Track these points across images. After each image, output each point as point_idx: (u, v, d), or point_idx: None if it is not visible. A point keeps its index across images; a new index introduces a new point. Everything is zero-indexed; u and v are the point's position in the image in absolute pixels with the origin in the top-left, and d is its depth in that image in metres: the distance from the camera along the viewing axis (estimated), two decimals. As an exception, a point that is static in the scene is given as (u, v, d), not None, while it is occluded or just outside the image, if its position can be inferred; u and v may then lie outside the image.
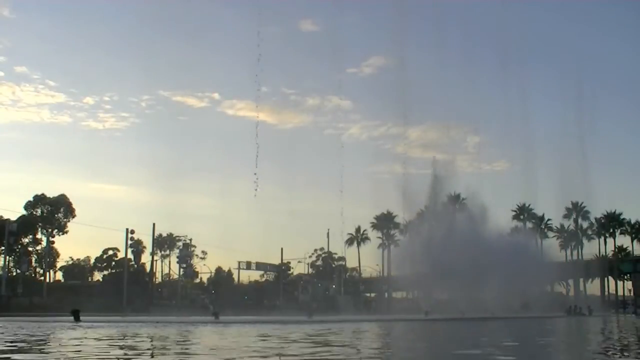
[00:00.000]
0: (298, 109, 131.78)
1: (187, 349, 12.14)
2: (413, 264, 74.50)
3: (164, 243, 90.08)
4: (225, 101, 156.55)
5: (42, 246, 78.53)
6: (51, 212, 77.15)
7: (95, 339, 15.06)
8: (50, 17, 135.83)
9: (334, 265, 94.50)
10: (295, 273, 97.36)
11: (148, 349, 12.02)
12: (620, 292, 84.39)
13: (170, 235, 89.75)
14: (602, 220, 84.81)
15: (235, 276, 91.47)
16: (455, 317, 40.78)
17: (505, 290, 79.04)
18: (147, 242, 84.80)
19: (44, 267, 79.49)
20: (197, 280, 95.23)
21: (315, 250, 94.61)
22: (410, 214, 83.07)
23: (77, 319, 29.52)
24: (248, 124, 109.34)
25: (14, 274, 77.16)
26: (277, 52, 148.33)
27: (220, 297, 77.23)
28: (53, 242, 79.78)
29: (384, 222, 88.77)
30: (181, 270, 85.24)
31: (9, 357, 10.18)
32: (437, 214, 76.81)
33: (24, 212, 76.74)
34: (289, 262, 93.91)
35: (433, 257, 71.73)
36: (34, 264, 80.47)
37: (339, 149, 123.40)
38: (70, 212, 77.78)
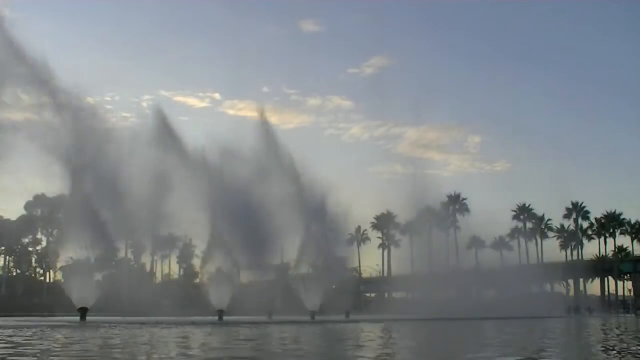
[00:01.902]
0: (299, 109, 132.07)
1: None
2: (412, 265, 74.81)
3: (163, 243, 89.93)
4: (226, 101, 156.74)
5: (42, 246, 78.54)
6: (51, 212, 77.15)
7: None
8: (51, 17, 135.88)
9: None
10: (295, 273, 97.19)
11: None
12: (620, 292, 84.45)
13: (170, 235, 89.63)
14: (602, 220, 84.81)
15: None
16: (449, 318, 40.64)
17: (505, 291, 79.22)
18: (147, 242, 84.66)
19: (44, 267, 79.46)
20: (197, 280, 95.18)
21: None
22: (410, 214, 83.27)
23: (82, 318, 29.58)
24: (249, 124, 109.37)
25: (14, 274, 77.17)
26: (279, 52, 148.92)
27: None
28: (53, 242, 79.78)
29: (384, 222, 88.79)
30: (181, 270, 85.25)
31: None
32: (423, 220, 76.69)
33: (24, 212, 76.78)
34: (289, 262, 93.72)
35: (432, 261, 71.99)
36: (34, 264, 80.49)
37: (339, 149, 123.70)
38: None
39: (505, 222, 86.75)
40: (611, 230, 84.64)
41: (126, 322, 29.07)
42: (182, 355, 11.13)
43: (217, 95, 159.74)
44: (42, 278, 79.07)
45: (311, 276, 48.92)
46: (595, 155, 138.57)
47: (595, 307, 78.55)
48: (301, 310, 44.89)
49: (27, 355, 10.66)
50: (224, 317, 38.08)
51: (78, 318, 30.41)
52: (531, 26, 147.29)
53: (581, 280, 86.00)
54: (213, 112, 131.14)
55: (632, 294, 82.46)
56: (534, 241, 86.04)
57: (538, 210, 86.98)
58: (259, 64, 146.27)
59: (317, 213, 47.28)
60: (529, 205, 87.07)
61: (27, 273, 79.09)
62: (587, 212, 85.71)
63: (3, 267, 73.59)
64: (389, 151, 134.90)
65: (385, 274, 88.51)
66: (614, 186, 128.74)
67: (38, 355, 10.75)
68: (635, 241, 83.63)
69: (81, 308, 30.59)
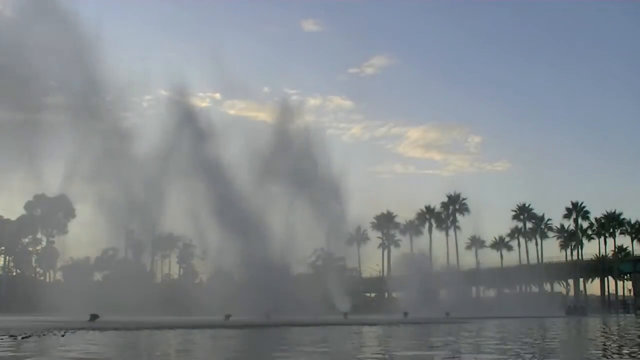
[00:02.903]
0: (299, 109, 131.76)
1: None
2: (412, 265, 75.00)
3: (163, 243, 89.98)
4: (227, 101, 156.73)
5: (42, 246, 78.55)
6: (51, 212, 77.19)
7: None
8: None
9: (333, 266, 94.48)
10: (295, 273, 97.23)
11: None
12: (620, 292, 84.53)
13: (170, 235, 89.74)
14: (602, 220, 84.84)
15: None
16: (435, 318, 40.57)
17: (503, 291, 79.34)
18: (147, 242, 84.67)
19: (44, 267, 79.49)
20: (197, 281, 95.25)
21: (315, 250, 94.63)
22: (410, 214, 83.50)
23: (92, 321, 29.75)
24: (249, 124, 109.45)
25: (14, 274, 77.20)
26: (279, 52, 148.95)
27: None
28: (53, 242, 79.86)
29: (384, 222, 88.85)
30: (181, 270, 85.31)
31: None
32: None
33: (24, 212, 76.79)
34: (290, 262, 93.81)
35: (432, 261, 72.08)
36: (34, 264, 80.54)
37: (339, 149, 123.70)
38: (70, 212, 77.87)
39: (505, 222, 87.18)
40: (611, 230, 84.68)
41: (135, 325, 29.06)
42: None
43: (217, 95, 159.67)
44: (42, 278, 79.09)
45: (312, 276, 49.01)
46: (595, 155, 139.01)
47: (595, 307, 78.71)
48: (306, 310, 44.81)
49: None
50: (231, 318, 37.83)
51: (83, 320, 30.51)
52: (532, 25, 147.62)
53: (581, 280, 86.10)
54: (214, 112, 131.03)
55: (632, 294, 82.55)
56: (534, 241, 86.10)
57: (538, 210, 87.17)
58: (259, 64, 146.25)
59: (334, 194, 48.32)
60: (529, 205, 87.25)
61: (27, 273, 79.10)
62: (587, 212, 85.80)
63: (3, 267, 73.58)
64: (389, 151, 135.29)
65: (385, 274, 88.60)
66: (614, 186, 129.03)
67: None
68: (635, 241, 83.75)
69: (92, 315, 30.95)
